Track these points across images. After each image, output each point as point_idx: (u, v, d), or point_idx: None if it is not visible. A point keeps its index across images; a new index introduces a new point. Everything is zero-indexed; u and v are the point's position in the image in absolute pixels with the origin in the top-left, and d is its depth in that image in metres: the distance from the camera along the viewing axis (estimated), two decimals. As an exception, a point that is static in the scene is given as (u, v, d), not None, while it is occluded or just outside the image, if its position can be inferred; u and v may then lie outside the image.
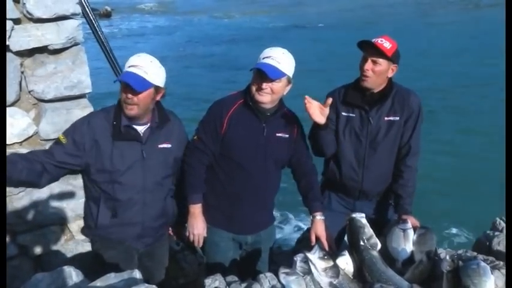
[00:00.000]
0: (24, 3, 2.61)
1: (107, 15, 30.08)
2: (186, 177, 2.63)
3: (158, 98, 2.49)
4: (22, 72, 2.72)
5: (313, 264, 2.04)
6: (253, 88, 2.48)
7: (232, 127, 2.55)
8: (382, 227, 2.58)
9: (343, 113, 2.79)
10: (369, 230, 2.27)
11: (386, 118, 2.78)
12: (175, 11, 33.60)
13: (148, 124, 2.50)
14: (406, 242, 2.31)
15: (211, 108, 2.64)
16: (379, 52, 2.63)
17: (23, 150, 2.60)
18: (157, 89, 2.43)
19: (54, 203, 2.83)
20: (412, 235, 2.34)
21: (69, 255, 2.91)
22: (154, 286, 1.72)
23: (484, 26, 21.61)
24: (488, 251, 2.67)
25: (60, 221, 2.84)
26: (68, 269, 1.84)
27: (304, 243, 3.09)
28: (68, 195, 2.81)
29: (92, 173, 2.44)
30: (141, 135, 2.47)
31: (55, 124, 2.73)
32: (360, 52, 2.74)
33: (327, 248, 2.46)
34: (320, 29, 25.05)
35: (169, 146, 2.56)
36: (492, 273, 1.99)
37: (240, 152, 2.58)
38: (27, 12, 2.62)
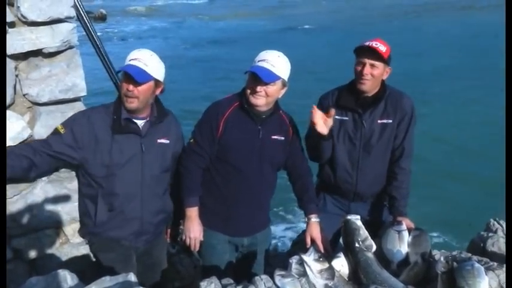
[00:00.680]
0: (19, 7, 2.60)
1: (102, 18, 30.07)
2: (182, 180, 2.63)
3: (157, 92, 2.53)
4: (16, 76, 2.71)
5: (309, 266, 2.05)
6: (248, 91, 2.49)
7: (228, 130, 2.55)
8: (377, 229, 2.60)
9: (337, 117, 2.77)
10: (364, 232, 2.28)
11: (379, 121, 2.79)
12: (169, 14, 33.81)
13: (148, 118, 2.54)
14: (401, 244, 2.33)
15: (207, 111, 2.65)
16: (376, 56, 2.63)
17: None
18: (157, 83, 2.47)
19: (49, 207, 2.81)
20: (407, 237, 2.36)
21: (64, 258, 2.89)
22: None
23: (477, 29, 21.83)
24: (483, 252, 2.69)
25: (55, 225, 2.82)
26: (62, 273, 1.83)
27: (300, 245, 3.08)
28: (63, 198, 2.80)
29: (89, 167, 2.45)
30: (141, 128, 2.50)
31: (50, 127, 2.71)
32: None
33: (322, 250, 2.47)
34: (308, 31, 25.64)
35: (167, 141, 2.60)
36: (486, 274, 2.01)
37: (236, 154, 2.59)
38: (22, 15, 2.61)
